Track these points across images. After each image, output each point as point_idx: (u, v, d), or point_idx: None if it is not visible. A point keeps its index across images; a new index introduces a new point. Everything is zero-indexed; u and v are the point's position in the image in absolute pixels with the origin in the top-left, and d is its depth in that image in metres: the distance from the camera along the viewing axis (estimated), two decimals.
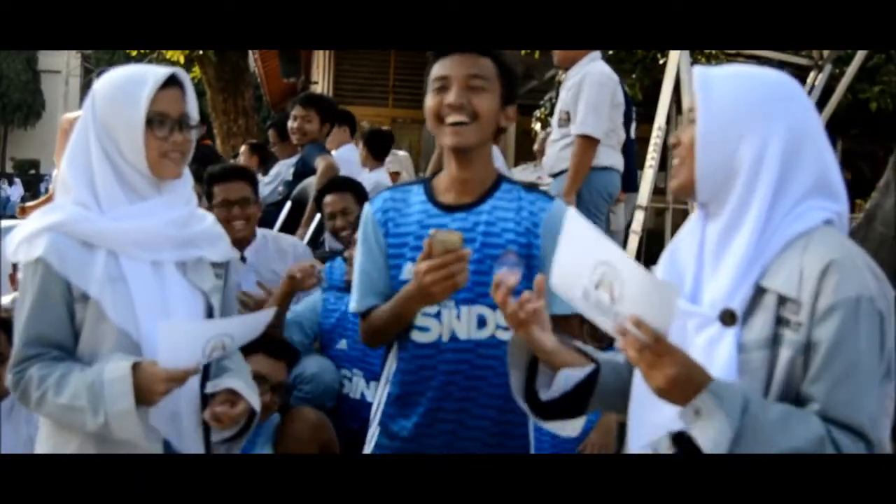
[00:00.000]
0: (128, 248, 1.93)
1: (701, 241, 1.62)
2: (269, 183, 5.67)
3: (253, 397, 2.03)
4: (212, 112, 11.49)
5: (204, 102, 11.43)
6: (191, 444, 1.99)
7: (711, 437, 1.39)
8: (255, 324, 1.99)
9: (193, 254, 2.02)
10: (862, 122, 9.69)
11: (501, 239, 2.11)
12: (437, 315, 2.10)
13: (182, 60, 11.47)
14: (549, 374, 1.77)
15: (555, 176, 4.81)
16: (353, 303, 2.22)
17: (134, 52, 11.36)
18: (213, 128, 10.75)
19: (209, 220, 2.11)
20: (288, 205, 4.92)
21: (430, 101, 2.12)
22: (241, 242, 3.50)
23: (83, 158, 1.95)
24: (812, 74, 6.05)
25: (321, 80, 14.32)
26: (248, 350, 2.14)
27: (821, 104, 5.99)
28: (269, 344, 2.86)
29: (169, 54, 11.50)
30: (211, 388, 2.02)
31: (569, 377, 1.74)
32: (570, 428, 1.90)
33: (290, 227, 4.80)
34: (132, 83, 1.95)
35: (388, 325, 2.13)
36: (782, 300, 1.49)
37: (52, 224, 1.90)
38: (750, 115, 1.55)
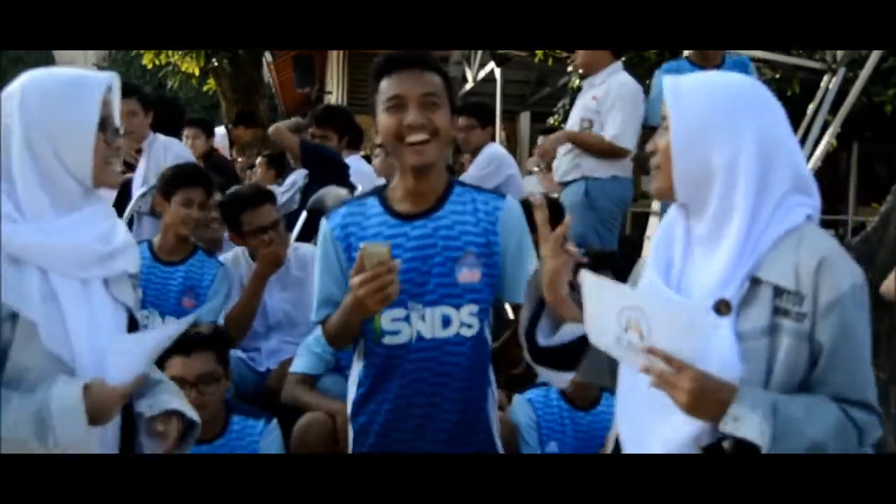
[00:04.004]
0: (58, 265, 1.81)
1: (687, 237, 1.74)
2: (286, 192, 5.70)
3: (189, 408, 2.01)
4: (227, 123, 11.56)
5: (219, 113, 11.51)
6: (111, 447, 1.93)
7: (755, 440, 1.51)
8: (182, 329, 1.97)
9: (117, 268, 1.93)
10: (877, 125, 9.65)
11: (460, 241, 2.21)
12: (407, 318, 2.20)
13: (197, 72, 11.57)
14: (550, 322, 1.93)
15: (566, 184, 4.79)
16: (313, 313, 2.31)
17: (150, 65, 11.47)
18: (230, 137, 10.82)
19: (124, 230, 2.01)
20: (304, 214, 4.94)
21: (386, 120, 2.16)
22: None
23: (3, 166, 1.80)
24: (826, 78, 6.03)
25: (335, 90, 14.40)
26: (163, 356, 2.10)
27: (835, 107, 5.97)
28: (181, 344, 2.70)
29: (184, 66, 11.59)
30: (148, 410, 1.96)
31: (574, 331, 1.86)
32: (560, 379, 2.03)
33: (306, 236, 4.83)
34: (78, 85, 1.84)
35: (341, 331, 2.22)
36: (778, 291, 1.62)
37: None
38: (719, 124, 1.67)
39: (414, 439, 2.24)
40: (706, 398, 1.53)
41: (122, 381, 1.79)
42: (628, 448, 1.78)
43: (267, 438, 2.96)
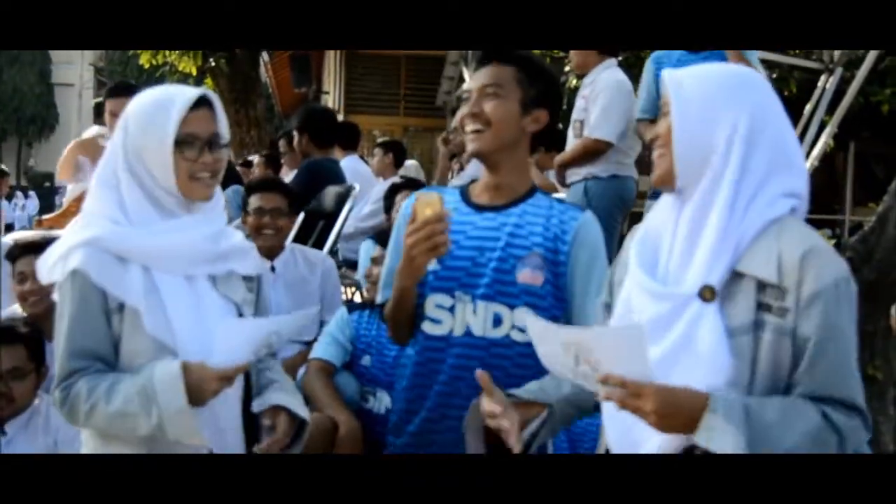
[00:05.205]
0: (161, 263, 1.96)
1: (675, 226, 1.70)
2: None
3: (300, 407, 2.08)
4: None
5: None
6: (236, 446, 2.04)
7: (729, 450, 1.46)
8: (300, 321, 2.07)
9: (224, 268, 2.06)
10: (874, 125, 9.68)
11: (527, 241, 2.14)
12: (451, 308, 2.13)
13: (194, 72, 11.54)
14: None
15: (568, 186, 4.80)
16: (379, 294, 2.27)
17: (147, 65, 11.46)
18: None
19: (239, 236, 2.15)
20: (301, 216, 4.95)
21: (458, 114, 2.20)
22: (269, 251, 3.74)
23: (112, 182, 1.98)
24: (823, 77, 6.04)
25: (332, 90, 14.40)
26: None
27: (832, 107, 5.98)
28: None
29: (181, 66, 11.57)
30: (257, 407, 2.05)
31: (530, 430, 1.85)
32: None
33: (302, 237, 4.83)
34: (161, 105, 1.96)
35: (394, 310, 2.15)
36: (761, 286, 1.58)
37: (86, 239, 1.92)
38: (718, 102, 1.66)
39: (450, 444, 2.06)
40: (675, 413, 1.49)
41: (224, 365, 1.88)
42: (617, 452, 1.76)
43: None
